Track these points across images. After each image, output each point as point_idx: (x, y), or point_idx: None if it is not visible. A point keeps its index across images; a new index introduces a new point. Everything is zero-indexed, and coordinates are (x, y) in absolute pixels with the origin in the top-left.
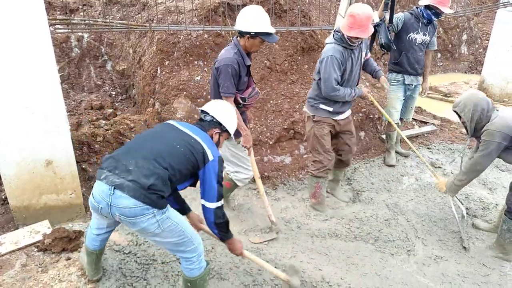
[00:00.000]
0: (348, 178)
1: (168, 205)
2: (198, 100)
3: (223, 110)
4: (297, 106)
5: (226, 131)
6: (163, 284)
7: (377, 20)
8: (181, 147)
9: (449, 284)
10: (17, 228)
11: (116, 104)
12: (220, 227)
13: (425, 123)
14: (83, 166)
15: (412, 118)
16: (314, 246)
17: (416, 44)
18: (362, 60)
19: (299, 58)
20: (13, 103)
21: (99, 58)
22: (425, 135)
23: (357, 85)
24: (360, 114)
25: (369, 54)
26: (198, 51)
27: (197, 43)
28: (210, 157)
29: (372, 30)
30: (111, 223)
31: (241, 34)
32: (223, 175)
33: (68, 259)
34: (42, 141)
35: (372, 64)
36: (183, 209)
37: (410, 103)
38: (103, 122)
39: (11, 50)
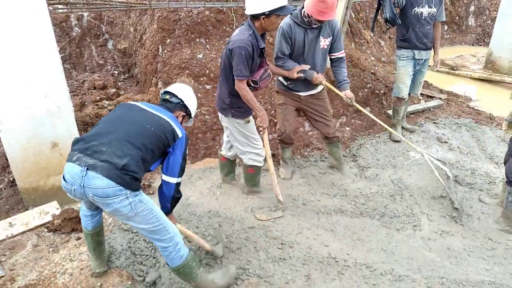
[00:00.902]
0: (354, 155)
1: (141, 190)
2: (201, 79)
3: (189, 95)
4: None
5: (189, 115)
6: None
7: None
8: (152, 127)
9: (455, 259)
10: (27, 210)
11: (119, 84)
12: (175, 201)
13: (432, 97)
14: None
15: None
16: (320, 222)
17: (423, 18)
18: (322, 45)
19: None
20: (14, 84)
21: (100, 37)
22: (431, 109)
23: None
24: (366, 90)
25: (342, 53)
26: (199, 28)
27: (199, 20)
28: (179, 134)
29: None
30: None
31: (255, 16)
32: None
33: (78, 238)
34: (45, 123)
35: (342, 73)
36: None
37: (419, 78)
38: (107, 102)
39: (10, 32)
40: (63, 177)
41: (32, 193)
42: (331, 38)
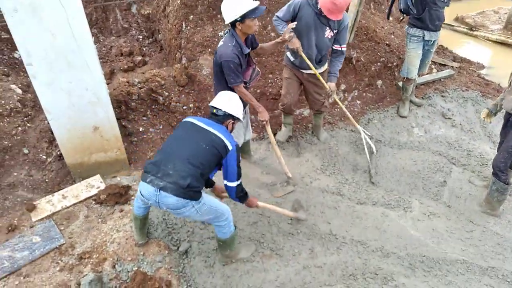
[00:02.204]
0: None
1: (202, 193)
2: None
3: (230, 102)
4: None
5: (238, 119)
6: (204, 230)
7: None
8: (207, 146)
9: (437, 239)
10: (74, 181)
11: (144, 49)
12: (241, 198)
13: (444, 65)
14: (123, 123)
15: (432, 61)
16: (325, 200)
17: (440, 0)
18: (327, 34)
19: None
20: (58, 80)
21: (123, 2)
22: (442, 80)
23: (320, 60)
24: (379, 64)
25: (343, 47)
26: (220, 4)
27: None
28: (230, 147)
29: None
30: None
31: (232, 24)
32: None
33: (121, 211)
34: (87, 111)
35: (335, 66)
36: (208, 184)
37: (427, 58)
38: (136, 80)
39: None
40: (140, 192)
41: (78, 167)
42: (336, 31)
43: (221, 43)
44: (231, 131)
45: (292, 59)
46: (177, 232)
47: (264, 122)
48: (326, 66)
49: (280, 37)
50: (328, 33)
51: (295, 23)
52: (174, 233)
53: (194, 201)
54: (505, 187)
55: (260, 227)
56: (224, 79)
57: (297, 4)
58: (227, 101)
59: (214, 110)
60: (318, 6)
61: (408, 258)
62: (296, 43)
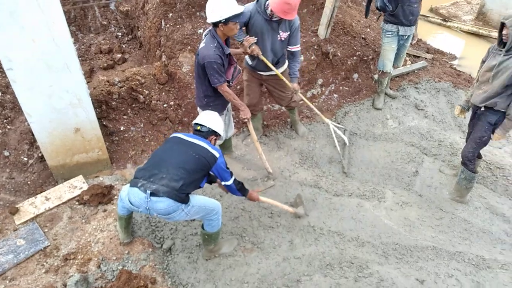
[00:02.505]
0: (339, 123)
1: (190, 197)
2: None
3: (213, 120)
4: None
5: (220, 135)
6: (187, 228)
7: None
8: (196, 154)
9: (409, 227)
10: (57, 182)
11: (123, 46)
12: (241, 190)
13: (418, 57)
14: (104, 123)
15: (406, 53)
16: (303, 193)
17: None
18: (280, 37)
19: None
20: (39, 84)
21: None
22: (415, 71)
23: (277, 62)
24: (355, 58)
25: (297, 47)
26: (199, 2)
27: None
28: (217, 155)
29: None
30: None
31: (214, 24)
32: None
33: (105, 211)
34: (68, 113)
35: (294, 67)
36: (210, 181)
37: (402, 52)
38: (117, 79)
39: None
40: (129, 200)
41: (60, 168)
42: (288, 33)
43: (202, 44)
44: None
45: (250, 62)
46: (160, 230)
47: (246, 120)
48: (285, 66)
49: (241, 49)
50: (281, 36)
51: (255, 38)
52: (157, 231)
53: (184, 204)
54: (472, 175)
55: (242, 222)
56: (207, 79)
57: (247, 13)
58: (210, 119)
59: (198, 127)
60: (268, 12)
61: (382, 247)
62: (255, 49)
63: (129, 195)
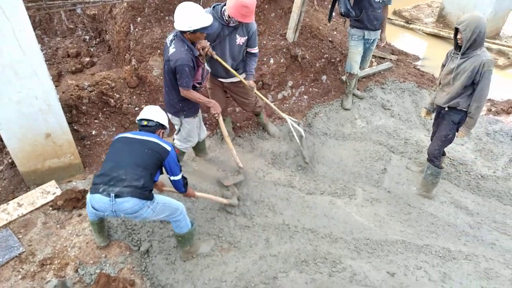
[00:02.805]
0: (309, 124)
1: (154, 195)
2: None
3: (160, 114)
4: (265, 59)
5: (167, 128)
6: (164, 230)
7: None
8: (149, 150)
9: (379, 223)
10: (29, 188)
11: (91, 50)
12: (185, 186)
13: (383, 58)
14: (75, 128)
15: (372, 55)
16: (278, 192)
17: (375, 2)
18: (238, 42)
19: (266, 6)
20: (6, 90)
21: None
22: (381, 72)
23: (237, 67)
24: (323, 60)
25: (255, 49)
26: (168, 6)
27: None
28: (168, 149)
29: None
30: None
31: (181, 32)
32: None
33: (80, 215)
34: (38, 119)
35: (250, 66)
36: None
37: (368, 54)
38: (86, 83)
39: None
40: (92, 207)
41: (31, 174)
42: (246, 37)
43: (172, 50)
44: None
45: (209, 70)
46: (137, 232)
47: (216, 115)
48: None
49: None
50: (239, 40)
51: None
52: (134, 233)
53: (149, 201)
54: (438, 171)
55: (218, 222)
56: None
57: (214, 24)
58: (156, 113)
59: (145, 122)
60: (225, 17)
61: (354, 242)
62: (209, 49)
63: (91, 202)
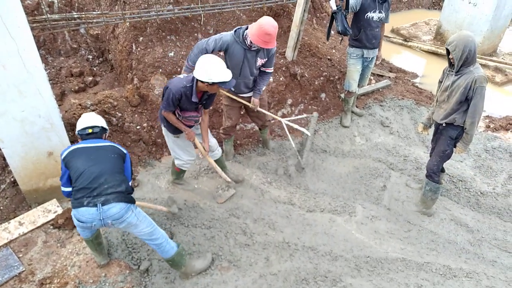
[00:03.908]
0: (312, 142)
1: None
2: (173, 76)
3: (99, 118)
4: None
5: (107, 130)
6: None
7: (334, 8)
8: (115, 154)
9: (379, 240)
10: (30, 207)
11: (94, 69)
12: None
13: (382, 76)
14: None
15: (371, 73)
16: (278, 210)
17: (374, 21)
18: (258, 63)
19: None
20: (10, 110)
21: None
22: (380, 90)
23: (251, 84)
24: (322, 78)
25: (270, 69)
26: (169, 26)
27: (168, 18)
28: (124, 151)
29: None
30: None
31: (200, 80)
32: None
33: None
34: (40, 137)
35: (261, 83)
36: None
37: (366, 72)
38: (89, 102)
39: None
40: (78, 220)
41: (33, 193)
42: (266, 59)
43: (180, 76)
44: None
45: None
46: (137, 251)
47: (191, 141)
48: None
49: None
50: (260, 62)
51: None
52: (134, 252)
53: (133, 205)
54: (437, 186)
55: (217, 241)
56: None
57: (225, 43)
58: (96, 118)
59: (90, 130)
60: (247, 42)
61: (354, 260)
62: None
63: (76, 216)
